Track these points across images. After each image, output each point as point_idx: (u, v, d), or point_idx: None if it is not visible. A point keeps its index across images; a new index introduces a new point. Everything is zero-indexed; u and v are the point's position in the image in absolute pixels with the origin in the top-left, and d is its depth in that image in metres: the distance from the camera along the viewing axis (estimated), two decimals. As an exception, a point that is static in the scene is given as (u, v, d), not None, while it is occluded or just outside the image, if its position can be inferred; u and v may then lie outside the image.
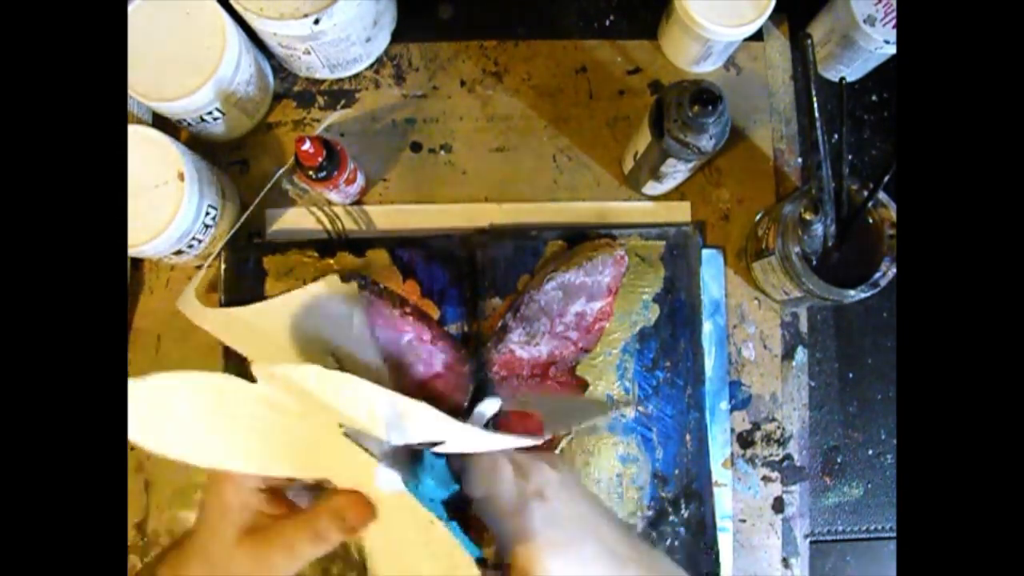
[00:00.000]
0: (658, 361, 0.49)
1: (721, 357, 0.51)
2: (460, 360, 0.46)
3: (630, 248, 0.49)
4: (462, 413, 0.45)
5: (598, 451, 0.48)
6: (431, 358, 0.46)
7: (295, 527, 0.33)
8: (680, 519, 0.48)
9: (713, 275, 0.52)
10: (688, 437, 0.49)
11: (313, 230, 0.51)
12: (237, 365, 0.46)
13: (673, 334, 0.49)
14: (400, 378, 0.45)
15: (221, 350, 0.47)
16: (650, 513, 0.48)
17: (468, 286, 0.48)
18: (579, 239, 0.49)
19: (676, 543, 0.47)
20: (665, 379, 0.49)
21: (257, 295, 0.47)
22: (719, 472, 0.50)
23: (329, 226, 0.51)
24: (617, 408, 0.48)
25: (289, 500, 0.35)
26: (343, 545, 0.44)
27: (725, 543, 0.49)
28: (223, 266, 0.48)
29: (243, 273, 0.48)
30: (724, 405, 0.51)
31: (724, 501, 0.50)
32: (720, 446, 0.50)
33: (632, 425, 0.48)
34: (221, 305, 0.47)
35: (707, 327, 0.51)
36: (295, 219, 0.52)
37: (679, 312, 0.49)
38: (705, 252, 0.51)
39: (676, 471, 0.48)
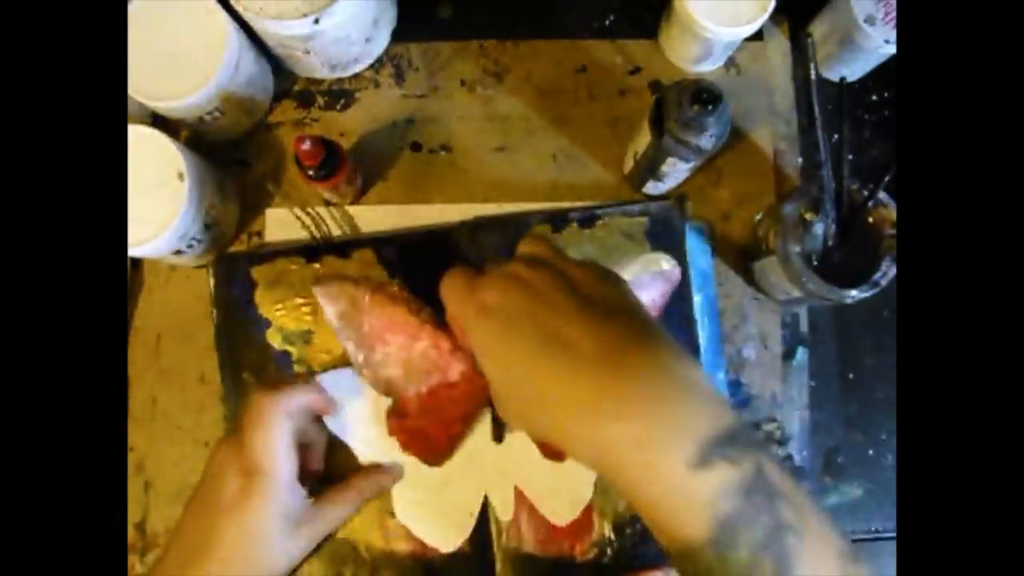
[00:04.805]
0: None
1: (713, 328, 0.51)
2: (479, 373, 0.46)
3: (613, 226, 0.49)
4: (471, 421, 0.46)
5: None
6: (448, 367, 0.45)
7: (347, 488, 0.43)
8: None
9: (699, 247, 0.52)
10: None
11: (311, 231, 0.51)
12: (231, 364, 0.47)
13: (664, 309, 0.49)
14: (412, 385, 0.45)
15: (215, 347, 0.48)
16: None
17: None
18: (563, 222, 0.49)
19: None
20: None
21: (250, 306, 0.47)
22: None
23: (314, 229, 0.51)
24: None
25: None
26: (353, 547, 0.45)
27: None
28: (212, 281, 0.47)
29: (232, 287, 0.47)
30: (721, 376, 0.51)
31: None
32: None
33: None
34: (215, 322, 0.47)
35: (697, 299, 0.50)
36: (295, 219, 0.52)
37: None
38: (689, 225, 0.51)
39: None
